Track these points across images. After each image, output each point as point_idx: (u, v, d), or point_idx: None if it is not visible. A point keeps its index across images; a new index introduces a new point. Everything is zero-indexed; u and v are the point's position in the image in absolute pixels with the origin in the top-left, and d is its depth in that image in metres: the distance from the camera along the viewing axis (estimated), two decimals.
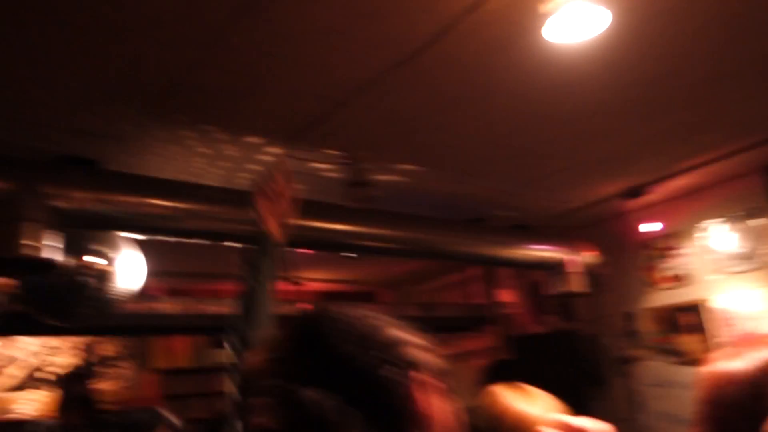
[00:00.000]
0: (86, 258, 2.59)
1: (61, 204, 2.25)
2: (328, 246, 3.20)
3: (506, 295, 5.36)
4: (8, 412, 5.18)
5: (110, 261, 2.68)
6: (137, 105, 2.41)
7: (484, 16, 1.99)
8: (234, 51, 2.10)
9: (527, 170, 3.50)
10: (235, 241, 2.72)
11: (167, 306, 3.68)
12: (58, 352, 5.48)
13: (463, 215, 4.02)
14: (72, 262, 2.54)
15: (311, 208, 3.00)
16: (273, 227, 1.63)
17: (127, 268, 2.79)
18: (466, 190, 3.70)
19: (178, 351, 5.94)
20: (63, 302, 2.51)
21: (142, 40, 1.99)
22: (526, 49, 2.18)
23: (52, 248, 2.19)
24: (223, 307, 3.84)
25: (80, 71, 2.14)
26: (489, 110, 2.67)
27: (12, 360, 5.31)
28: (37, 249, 2.14)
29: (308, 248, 3.43)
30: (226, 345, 1.47)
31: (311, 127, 2.71)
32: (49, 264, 2.20)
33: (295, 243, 3.19)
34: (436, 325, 5.39)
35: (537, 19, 1.95)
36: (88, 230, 2.63)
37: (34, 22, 1.86)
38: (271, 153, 2.99)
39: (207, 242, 2.81)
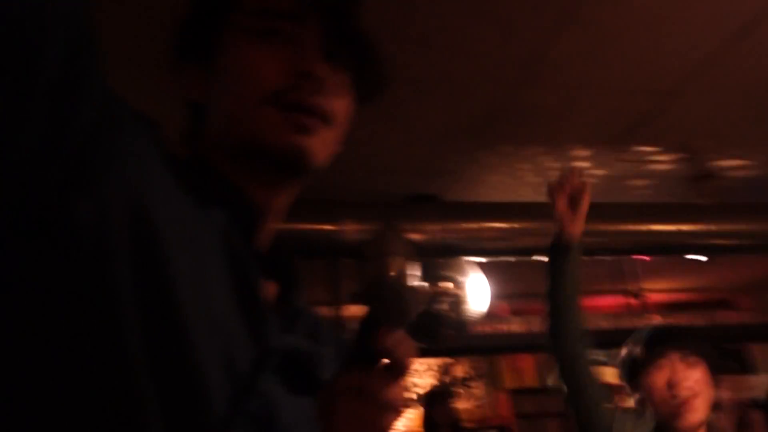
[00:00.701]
0: (440, 284, 2.84)
1: (415, 237, 2.52)
2: (672, 250, 2.96)
3: None
4: None
5: (460, 285, 2.90)
6: (465, 137, 2.59)
7: None
8: (553, 65, 2.12)
9: None
10: None
11: (513, 326, 3.80)
12: (417, 374, 6.07)
13: None
14: (429, 289, 2.82)
15: (649, 210, 2.82)
16: (573, 228, 1.57)
17: (476, 290, 2.97)
18: None
19: (525, 370, 6.06)
20: (428, 326, 2.79)
21: (463, 72, 2.14)
22: None
23: (414, 277, 2.46)
24: None
25: (418, 118, 2.40)
26: None
27: None
28: (404, 279, 2.43)
29: (650, 254, 3.21)
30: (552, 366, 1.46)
31: (640, 127, 2.57)
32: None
33: (634, 250, 3.02)
34: None
35: None
36: (438, 258, 2.89)
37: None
38: (597, 176, 2.92)
39: (544, 258, 2.84)
